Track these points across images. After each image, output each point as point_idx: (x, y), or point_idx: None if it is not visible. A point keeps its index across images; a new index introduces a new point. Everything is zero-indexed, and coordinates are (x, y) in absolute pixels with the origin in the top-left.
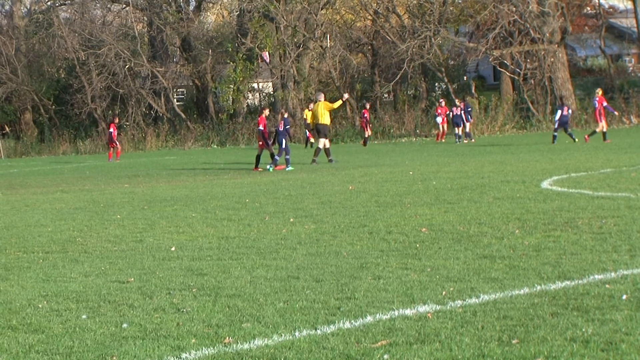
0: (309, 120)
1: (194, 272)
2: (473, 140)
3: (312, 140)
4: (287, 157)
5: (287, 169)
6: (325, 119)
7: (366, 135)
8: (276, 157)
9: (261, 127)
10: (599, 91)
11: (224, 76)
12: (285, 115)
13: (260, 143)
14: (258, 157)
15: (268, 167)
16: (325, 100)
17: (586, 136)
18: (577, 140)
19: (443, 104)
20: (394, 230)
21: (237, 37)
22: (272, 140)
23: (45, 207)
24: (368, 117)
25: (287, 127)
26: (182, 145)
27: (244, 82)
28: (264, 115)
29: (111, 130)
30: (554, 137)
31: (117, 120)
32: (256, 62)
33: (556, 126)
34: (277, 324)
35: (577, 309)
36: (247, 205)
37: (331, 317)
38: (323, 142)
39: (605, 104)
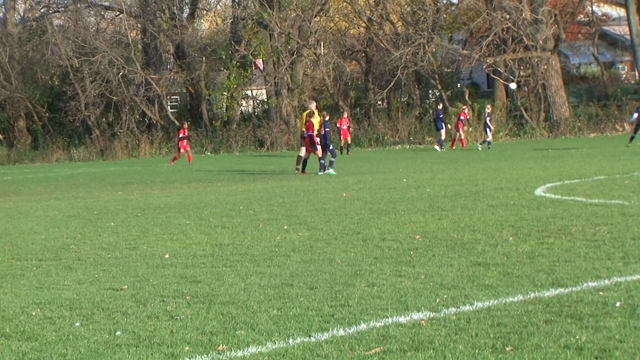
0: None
1: (187, 280)
2: (442, 149)
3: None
4: (332, 159)
5: (329, 172)
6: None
7: (342, 144)
8: (322, 161)
9: (311, 133)
10: None
11: (217, 83)
12: (327, 118)
13: (309, 148)
14: (305, 162)
15: (319, 172)
16: (317, 109)
17: None
18: None
19: (466, 110)
20: (388, 237)
21: (230, 45)
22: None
23: (39, 215)
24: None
25: (327, 129)
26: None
27: (237, 90)
28: (312, 120)
29: (181, 135)
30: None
31: (186, 126)
32: (250, 70)
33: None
34: (271, 331)
35: (570, 316)
36: (241, 213)
37: (325, 324)
38: (303, 150)
39: None
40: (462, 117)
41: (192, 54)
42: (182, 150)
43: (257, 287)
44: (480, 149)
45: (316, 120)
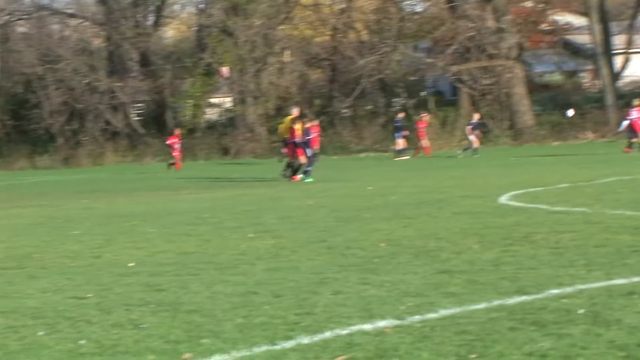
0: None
1: (152, 288)
2: (403, 157)
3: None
4: (309, 168)
5: (306, 180)
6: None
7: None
8: (309, 167)
9: (295, 139)
10: (636, 101)
11: (182, 91)
12: (307, 126)
13: (292, 152)
14: (293, 166)
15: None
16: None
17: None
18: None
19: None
20: (353, 245)
21: (195, 52)
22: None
23: (2, 223)
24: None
25: (309, 137)
26: (140, 160)
27: (202, 97)
28: (295, 127)
29: (171, 141)
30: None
31: (177, 132)
32: (215, 77)
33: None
34: (236, 339)
35: (534, 323)
36: (206, 221)
37: (290, 332)
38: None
39: None
40: (420, 126)
41: (157, 61)
42: (176, 154)
43: (222, 295)
44: (461, 156)
45: (297, 126)
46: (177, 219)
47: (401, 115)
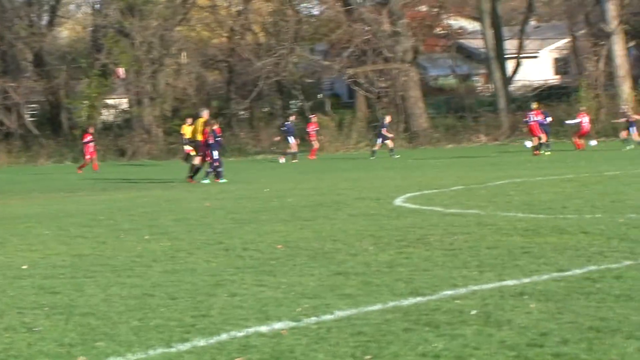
0: (187, 135)
1: (46, 291)
2: (283, 160)
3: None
4: (220, 169)
5: (221, 181)
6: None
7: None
8: (219, 169)
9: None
10: (534, 104)
11: (78, 92)
12: (214, 127)
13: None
14: (197, 169)
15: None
16: (204, 117)
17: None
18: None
19: (314, 118)
20: (250, 247)
21: (91, 53)
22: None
23: None
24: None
25: (218, 139)
26: (35, 161)
27: (98, 98)
28: (207, 129)
29: (86, 139)
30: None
31: (92, 130)
32: (111, 78)
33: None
34: (132, 342)
35: (428, 324)
36: (102, 223)
37: (186, 334)
38: (198, 159)
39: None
40: (309, 129)
41: (51, 62)
42: (87, 157)
43: (117, 297)
44: (373, 158)
45: (207, 128)
46: (73, 220)
47: (292, 118)
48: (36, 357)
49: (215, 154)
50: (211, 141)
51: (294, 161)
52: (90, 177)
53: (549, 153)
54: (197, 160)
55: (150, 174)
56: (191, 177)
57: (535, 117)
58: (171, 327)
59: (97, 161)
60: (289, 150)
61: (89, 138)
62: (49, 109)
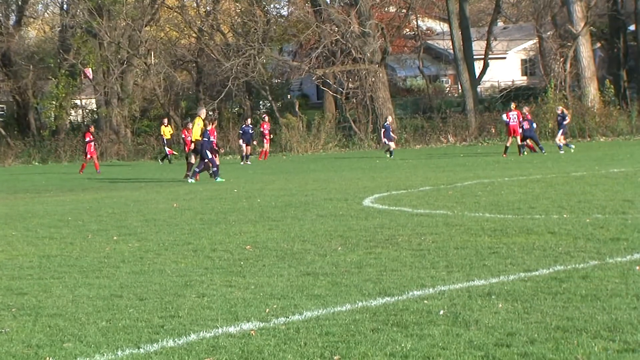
0: (166, 137)
1: (13, 292)
2: (248, 162)
3: (173, 155)
4: (215, 169)
5: (216, 180)
6: (197, 135)
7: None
8: (196, 169)
9: (212, 139)
10: (513, 105)
11: (45, 92)
12: (208, 128)
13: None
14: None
15: (190, 179)
16: (201, 117)
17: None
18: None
19: (266, 118)
20: (219, 247)
21: (59, 53)
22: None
23: None
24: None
25: (206, 139)
26: (2, 162)
27: (66, 99)
28: (213, 127)
29: (87, 139)
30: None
31: (92, 129)
32: (79, 78)
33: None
34: (100, 343)
35: (396, 324)
36: (70, 223)
37: (155, 335)
38: (194, 157)
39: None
40: (262, 129)
41: (19, 62)
42: (88, 157)
43: (85, 298)
44: (390, 157)
45: (208, 127)
46: (40, 221)
47: (248, 121)
48: (3, 358)
49: (208, 153)
50: (205, 141)
51: (242, 163)
52: (51, 178)
53: (565, 152)
54: (193, 159)
55: (120, 174)
56: (194, 173)
57: (516, 118)
58: (140, 328)
59: (98, 161)
60: (243, 154)
61: (89, 138)
62: (17, 109)
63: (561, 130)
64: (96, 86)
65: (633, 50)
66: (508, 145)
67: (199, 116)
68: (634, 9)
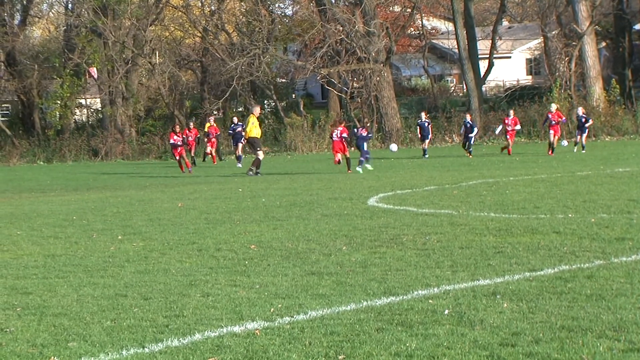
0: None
1: (18, 291)
2: (239, 165)
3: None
4: (367, 157)
5: (361, 170)
6: (254, 132)
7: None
8: (362, 158)
9: (345, 135)
10: (512, 112)
11: (50, 92)
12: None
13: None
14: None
15: (358, 168)
16: (255, 115)
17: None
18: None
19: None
20: (223, 247)
21: (64, 52)
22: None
23: None
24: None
25: (370, 134)
26: (7, 161)
27: (71, 98)
28: (344, 126)
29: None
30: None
31: (177, 129)
32: (84, 78)
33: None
34: (104, 342)
35: (401, 324)
36: (74, 223)
37: (159, 335)
38: (260, 154)
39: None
40: (211, 132)
41: (23, 61)
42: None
43: (90, 298)
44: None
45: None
46: (45, 221)
47: (235, 120)
48: (8, 357)
49: (365, 145)
50: (364, 134)
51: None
52: (56, 177)
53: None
54: (260, 155)
55: (124, 173)
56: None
57: (557, 118)
58: (144, 327)
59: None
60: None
61: (175, 139)
62: (22, 108)
63: (586, 133)
64: (101, 86)
65: (638, 49)
66: (553, 143)
67: (253, 114)
68: (639, 8)
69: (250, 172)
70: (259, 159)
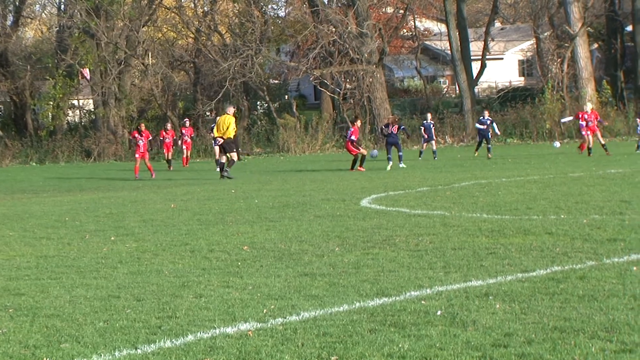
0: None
1: (10, 292)
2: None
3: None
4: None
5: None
6: (231, 132)
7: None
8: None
9: (353, 137)
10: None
11: (43, 92)
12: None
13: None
14: (355, 161)
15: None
16: (229, 114)
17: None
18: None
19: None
20: (216, 248)
21: (56, 53)
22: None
23: None
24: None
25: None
26: (0, 162)
27: (64, 99)
28: (357, 126)
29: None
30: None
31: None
32: (76, 79)
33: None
34: (97, 343)
35: (394, 325)
36: (67, 224)
37: (152, 336)
38: (234, 155)
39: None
40: (185, 133)
41: (16, 62)
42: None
43: (83, 299)
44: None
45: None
46: (37, 222)
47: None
48: (1, 359)
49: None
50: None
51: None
52: (49, 177)
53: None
54: (235, 156)
55: (118, 175)
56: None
57: (589, 119)
58: (137, 328)
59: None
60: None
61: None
62: (14, 109)
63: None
64: (94, 87)
65: (630, 51)
66: (590, 146)
67: (228, 114)
68: (631, 9)
69: (226, 173)
70: (234, 160)
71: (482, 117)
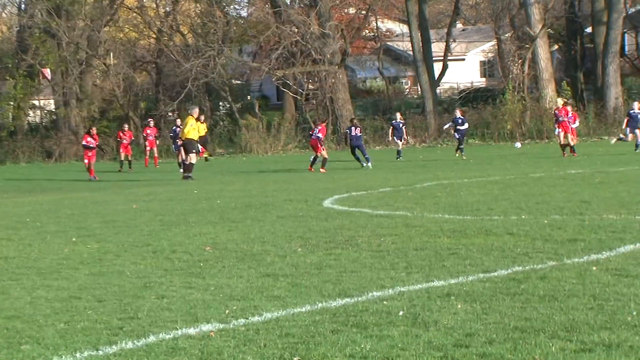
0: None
1: None
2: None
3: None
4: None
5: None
6: (192, 134)
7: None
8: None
9: (320, 135)
10: (560, 101)
11: (3, 93)
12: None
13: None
14: (315, 159)
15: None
16: (193, 116)
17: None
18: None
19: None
20: (178, 249)
21: (17, 53)
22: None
23: None
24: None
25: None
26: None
27: (24, 99)
28: (324, 125)
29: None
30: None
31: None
32: (37, 79)
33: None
34: (58, 345)
35: (356, 325)
36: (28, 225)
37: (113, 337)
38: (193, 157)
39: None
40: (148, 133)
41: None
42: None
43: (43, 300)
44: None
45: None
46: None
47: (178, 122)
48: None
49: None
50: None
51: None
52: (9, 179)
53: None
54: (193, 159)
55: (80, 175)
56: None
57: (559, 114)
58: (98, 329)
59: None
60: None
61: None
62: None
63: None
64: (55, 87)
65: (590, 53)
66: (564, 143)
67: (191, 115)
68: (591, 11)
69: (188, 176)
70: (192, 162)
71: (455, 117)
